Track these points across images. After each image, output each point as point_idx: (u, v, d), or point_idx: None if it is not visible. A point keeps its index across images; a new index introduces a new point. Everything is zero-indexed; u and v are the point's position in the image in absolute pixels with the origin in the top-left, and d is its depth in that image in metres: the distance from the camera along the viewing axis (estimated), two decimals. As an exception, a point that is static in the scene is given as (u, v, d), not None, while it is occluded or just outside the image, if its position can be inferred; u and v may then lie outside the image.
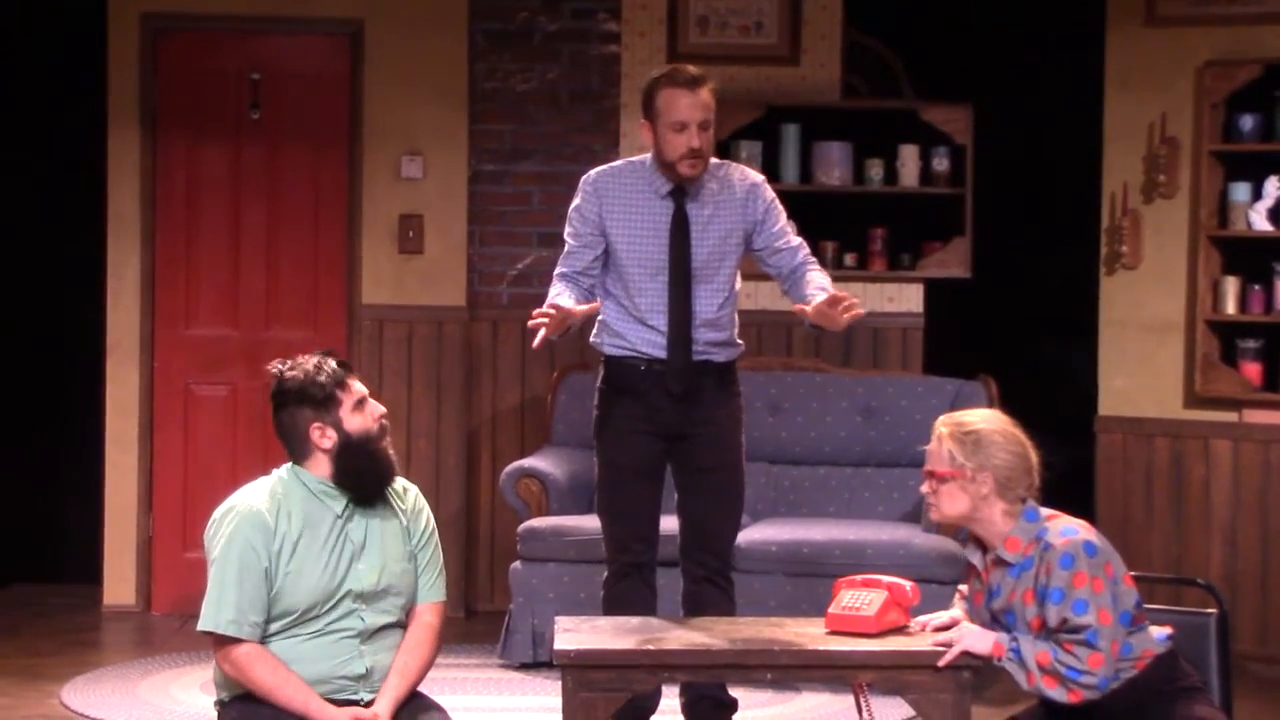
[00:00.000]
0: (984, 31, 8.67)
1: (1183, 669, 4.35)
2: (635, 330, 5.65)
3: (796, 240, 5.72)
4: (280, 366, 4.48)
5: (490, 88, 8.43)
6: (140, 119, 8.29)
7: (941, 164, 8.20)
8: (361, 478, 4.44)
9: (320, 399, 4.41)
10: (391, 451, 4.49)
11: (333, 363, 4.48)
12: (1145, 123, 7.87)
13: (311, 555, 4.38)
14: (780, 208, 5.74)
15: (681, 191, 5.62)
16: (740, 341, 5.77)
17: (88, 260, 8.38)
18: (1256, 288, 7.70)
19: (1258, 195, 7.68)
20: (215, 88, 8.36)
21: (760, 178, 5.76)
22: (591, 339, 5.80)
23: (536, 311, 5.30)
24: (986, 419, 4.40)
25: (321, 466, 4.44)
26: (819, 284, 5.52)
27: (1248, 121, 7.68)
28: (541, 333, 5.27)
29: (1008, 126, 8.45)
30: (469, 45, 8.39)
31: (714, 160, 5.71)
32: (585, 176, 5.74)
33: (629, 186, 5.65)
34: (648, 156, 5.70)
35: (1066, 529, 4.30)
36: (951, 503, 4.37)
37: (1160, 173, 7.81)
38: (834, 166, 8.21)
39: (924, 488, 4.43)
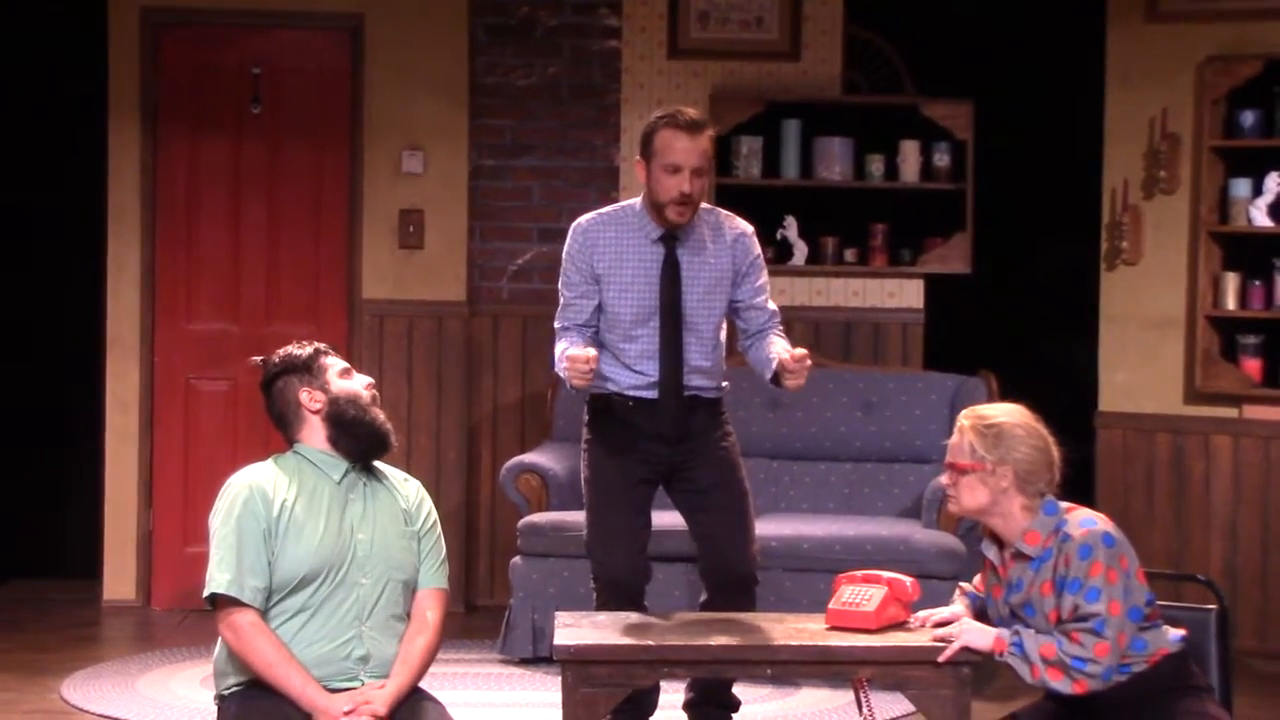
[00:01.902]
0: (985, 27, 8.67)
1: (1193, 670, 4.37)
2: (624, 375, 5.62)
3: (772, 306, 5.69)
4: (262, 357, 4.65)
5: (491, 83, 8.43)
6: (141, 114, 8.28)
7: (942, 159, 8.20)
8: (354, 429, 4.51)
9: (304, 364, 4.56)
10: (384, 416, 4.56)
11: (314, 342, 4.64)
12: (1146, 118, 7.87)
13: (311, 519, 4.43)
14: (764, 266, 5.72)
15: (673, 237, 5.59)
16: (725, 382, 5.76)
17: (88, 255, 8.38)
18: (1257, 283, 7.70)
19: (1258, 191, 7.68)
20: (216, 82, 8.35)
21: (750, 229, 5.72)
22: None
23: (576, 361, 5.29)
24: (1009, 413, 4.41)
25: (316, 434, 4.53)
26: (782, 346, 5.51)
27: (1248, 117, 7.68)
28: (580, 382, 5.32)
29: (1009, 122, 8.44)
30: (469, 40, 8.38)
31: (705, 206, 5.68)
32: (575, 225, 5.70)
33: (619, 233, 5.62)
34: (637, 201, 5.67)
35: (1085, 520, 4.32)
36: (971, 495, 4.38)
37: (1161, 168, 7.82)
38: (835, 162, 8.21)
39: (943, 479, 4.44)
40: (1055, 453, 4.39)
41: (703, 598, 5.78)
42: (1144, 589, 4.31)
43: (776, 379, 5.45)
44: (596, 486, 5.70)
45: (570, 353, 5.37)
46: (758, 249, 5.71)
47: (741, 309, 5.67)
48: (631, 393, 5.61)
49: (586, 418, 5.75)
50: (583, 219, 5.70)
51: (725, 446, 5.70)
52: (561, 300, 5.68)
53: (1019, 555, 4.37)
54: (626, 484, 5.65)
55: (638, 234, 5.61)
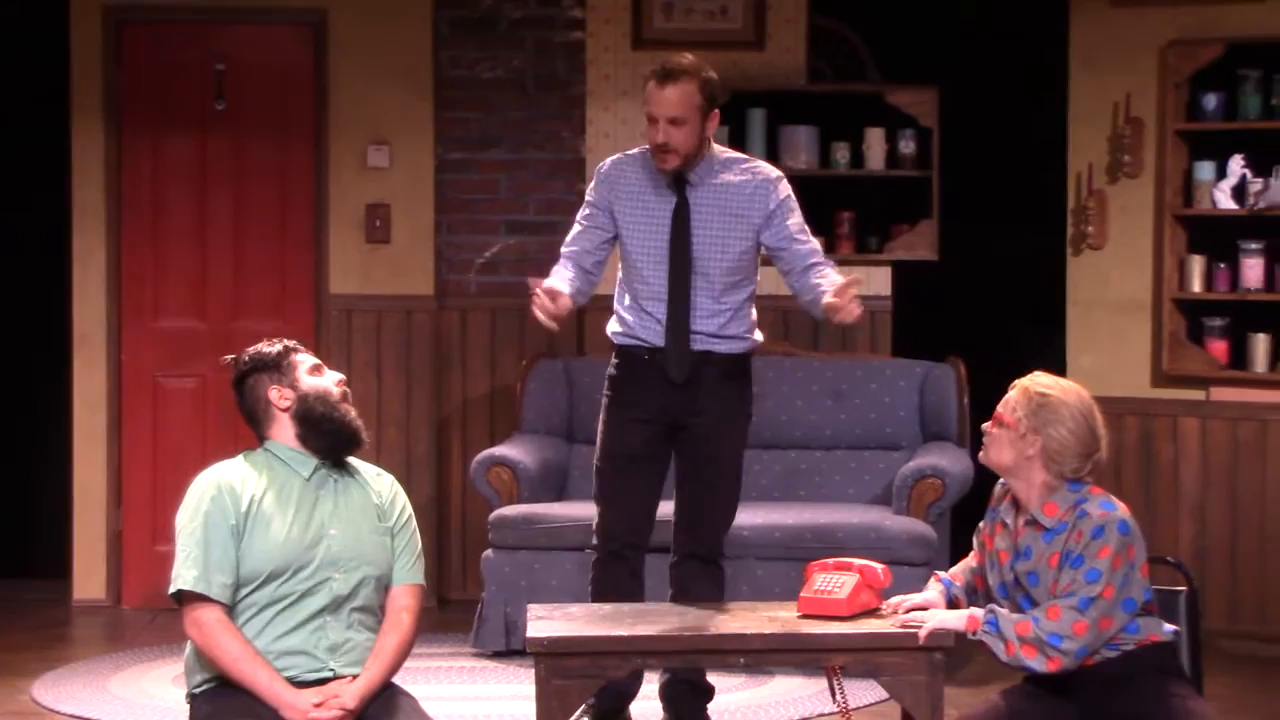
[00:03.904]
0: (949, 14, 8.68)
1: (1181, 665, 4.41)
2: (638, 318, 5.74)
3: (810, 243, 5.76)
4: (234, 355, 4.64)
5: (456, 76, 8.41)
6: (104, 111, 8.25)
7: (908, 146, 8.21)
8: (322, 426, 4.51)
9: (274, 361, 4.56)
10: (354, 413, 4.56)
11: (285, 339, 4.66)
12: (1110, 103, 7.88)
13: (278, 514, 4.43)
14: (795, 206, 5.77)
15: (685, 182, 5.69)
16: (752, 336, 5.80)
17: (53, 253, 8.35)
18: (1222, 266, 7.72)
19: (1222, 174, 7.70)
20: (180, 79, 8.32)
21: (776, 173, 5.80)
22: (607, 328, 5.88)
23: (541, 296, 5.41)
24: (1066, 390, 4.41)
25: (286, 431, 4.53)
26: (831, 279, 5.57)
27: (1211, 100, 7.70)
28: (540, 315, 5.42)
29: (973, 108, 8.46)
30: (433, 33, 8.37)
31: (733, 154, 5.81)
32: (599, 166, 5.86)
33: (638, 176, 5.76)
34: None
35: (1106, 503, 4.35)
36: (998, 451, 4.41)
37: (1125, 153, 7.83)
38: (800, 150, 8.22)
39: (985, 425, 4.46)
40: (1098, 445, 4.36)
41: (672, 558, 5.86)
42: (1145, 585, 4.35)
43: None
44: (604, 450, 5.81)
45: (546, 283, 5.48)
46: (785, 191, 5.76)
47: (776, 252, 5.74)
48: (646, 338, 5.71)
49: (610, 371, 5.84)
50: (607, 160, 5.86)
51: (730, 416, 5.76)
52: (573, 230, 5.82)
53: (1033, 523, 4.39)
54: (635, 449, 5.75)
55: (655, 178, 5.73)
